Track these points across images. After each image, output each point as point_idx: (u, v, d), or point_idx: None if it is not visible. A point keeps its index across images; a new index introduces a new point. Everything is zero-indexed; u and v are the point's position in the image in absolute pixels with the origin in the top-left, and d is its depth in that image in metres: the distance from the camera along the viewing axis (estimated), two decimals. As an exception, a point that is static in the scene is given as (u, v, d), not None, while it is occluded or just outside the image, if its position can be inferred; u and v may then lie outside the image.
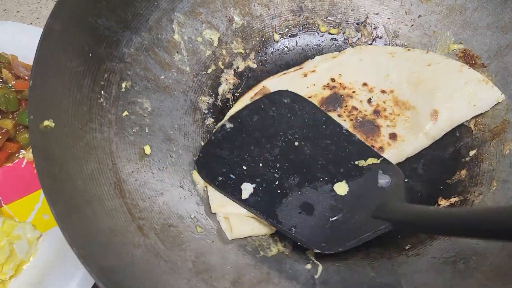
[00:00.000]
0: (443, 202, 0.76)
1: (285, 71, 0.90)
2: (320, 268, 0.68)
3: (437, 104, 0.80)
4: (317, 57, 0.92)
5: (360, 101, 0.84)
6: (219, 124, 0.79)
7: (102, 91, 0.69)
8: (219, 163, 0.73)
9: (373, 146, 0.78)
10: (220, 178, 0.72)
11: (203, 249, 0.65)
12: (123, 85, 0.73)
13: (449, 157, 0.81)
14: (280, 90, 0.80)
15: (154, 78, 0.79)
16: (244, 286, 0.61)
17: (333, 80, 0.87)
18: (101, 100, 0.68)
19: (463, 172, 0.78)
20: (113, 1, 0.72)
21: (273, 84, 0.87)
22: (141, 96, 0.76)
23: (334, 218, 0.67)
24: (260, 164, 0.72)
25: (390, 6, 0.93)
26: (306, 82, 0.87)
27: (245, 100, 0.86)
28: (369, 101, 0.83)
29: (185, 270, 0.59)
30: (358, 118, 0.81)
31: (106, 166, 0.63)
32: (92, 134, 0.64)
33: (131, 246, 0.56)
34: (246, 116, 0.77)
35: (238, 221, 0.70)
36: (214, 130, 0.79)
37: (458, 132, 0.82)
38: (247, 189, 0.71)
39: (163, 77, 0.80)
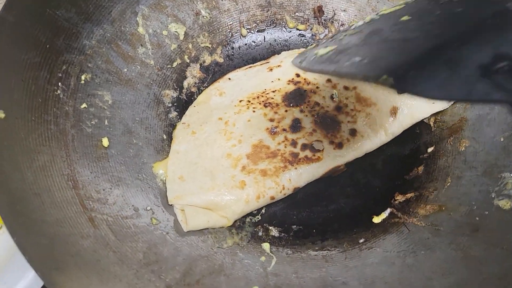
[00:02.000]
0: (399, 198, 0.77)
1: (251, 65, 0.91)
2: (274, 260, 0.69)
3: (397, 101, 0.82)
4: (283, 53, 0.93)
5: (323, 96, 0.85)
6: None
7: (60, 83, 0.69)
8: None
9: (333, 142, 0.79)
10: None
11: (156, 241, 0.65)
12: (83, 77, 0.73)
13: (408, 153, 0.83)
14: None
15: (116, 71, 0.79)
16: (195, 277, 0.62)
17: (298, 75, 0.88)
18: (58, 92, 0.68)
19: (421, 168, 0.80)
20: (73, -8, 0.72)
21: (237, 76, 0.88)
22: (102, 88, 0.76)
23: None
24: None
25: (357, 3, 0.93)
26: (271, 76, 0.88)
27: (209, 91, 0.86)
28: (332, 97, 0.84)
29: (135, 261, 0.60)
30: (320, 113, 0.82)
31: (60, 158, 0.64)
32: (46, 126, 0.64)
33: (79, 237, 0.57)
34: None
35: (194, 213, 0.71)
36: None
37: (418, 129, 0.84)
38: None
39: (125, 70, 0.80)
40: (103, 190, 0.67)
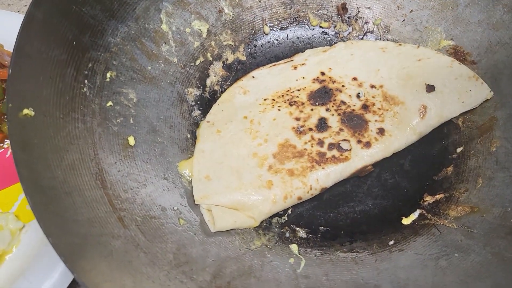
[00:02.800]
0: (429, 199, 0.76)
1: (274, 63, 0.89)
2: (303, 262, 0.68)
3: (426, 100, 0.80)
4: (307, 51, 0.91)
5: (349, 95, 0.83)
6: None
7: (86, 81, 0.68)
8: None
9: (360, 141, 0.77)
10: None
11: (184, 242, 0.64)
12: (108, 75, 0.72)
13: (436, 153, 0.81)
14: None
15: (140, 69, 0.78)
16: (225, 279, 0.61)
17: (323, 73, 0.86)
18: (85, 89, 0.68)
19: (450, 168, 0.78)
20: (98, -11, 0.71)
21: (261, 74, 0.87)
22: (127, 86, 0.75)
23: None
24: None
25: (382, 0, 0.92)
26: (296, 75, 0.87)
27: (233, 89, 0.85)
28: (358, 95, 0.83)
29: (165, 262, 0.59)
30: (346, 112, 0.81)
31: (88, 157, 0.63)
32: (74, 124, 0.63)
33: (110, 237, 0.56)
34: None
35: (221, 213, 0.70)
36: None
37: (446, 129, 0.82)
38: None
39: (149, 67, 0.79)
40: (131, 189, 0.66)
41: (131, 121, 0.73)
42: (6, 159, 0.83)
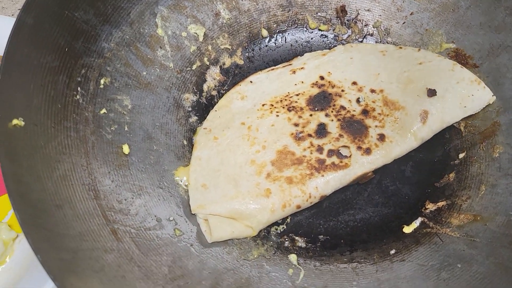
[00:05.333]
0: (431, 206, 0.74)
1: (273, 67, 0.88)
2: (302, 273, 0.66)
3: (427, 104, 0.78)
4: (306, 54, 0.89)
5: (349, 100, 0.81)
6: None
7: (79, 88, 0.66)
8: None
9: (360, 148, 0.75)
10: None
11: (180, 253, 0.63)
12: (102, 81, 0.71)
13: (438, 159, 0.79)
14: None
15: (135, 74, 0.76)
16: (222, 292, 0.60)
17: (322, 78, 0.84)
18: (78, 97, 0.66)
19: (452, 175, 0.76)
20: (91, -7, 0.69)
21: (259, 79, 0.85)
22: (121, 93, 0.73)
23: None
24: None
25: (381, 2, 0.90)
26: (294, 79, 0.85)
27: (231, 94, 0.83)
28: (358, 100, 0.81)
29: (160, 276, 0.57)
30: (346, 118, 0.79)
31: (80, 167, 0.61)
32: (66, 133, 0.61)
33: (103, 251, 0.54)
34: None
35: (218, 223, 0.68)
36: None
37: (448, 134, 0.80)
38: None
39: (145, 73, 0.78)
40: (125, 200, 0.64)
41: (126, 128, 0.71)
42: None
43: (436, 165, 0.79)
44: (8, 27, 0.90)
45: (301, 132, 0.77)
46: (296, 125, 0.78)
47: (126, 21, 0.75)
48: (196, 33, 0.85)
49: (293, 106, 0.81)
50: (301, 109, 0.80)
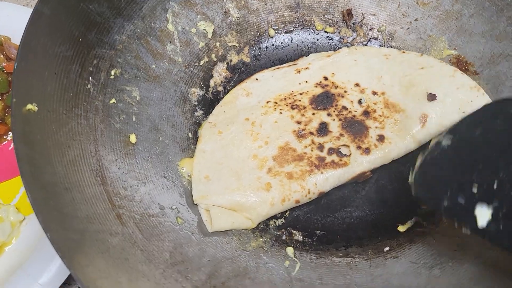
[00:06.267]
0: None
1: (278, 66, 0.90)
2: (298, 265, 0.69)
3: (427, 108, 0.80)
4: (311, 55, 0.92)
5: (351, 101, 0.83)
6: (433, 141, 0.65)
7: (90, 77, 0.69)
8: (441, 185, 0.61)
9: (360, 147, 0.78)
10: (446, 203, 0.60)
11: (181, 241, 0.65)
12: (113, 72, 0.73)
13: (435, 162, 0.81)
14: (505, 99, 0.62)
15: (144, 67, 0.78)
16: (220, 280, 0.62)
17: (325, 78, 0.87)
18: (89, 86, 0.68)
19: (448, 178, 0.78)
20: (105, -13, 0.71)
21: (264, 77, 0.87)
22: (130, 84, 0.75)
23: None
24: (495, 186, 0.57)
25: (387, 7, 0.92)
26: (299, 79, 0.87)
27: (236, 90, 0.86)
28: (360, 101, 0.83)
29: (161, 260, 0.60)
30: (347, 118, 0.81)
31: (89, 153, 0.63)
32: (76, 120, 0.64)
33: (108, 234, 0.56)
34: (466, 131, 0.62)
35: (219, 213, 0.70)
36: (428, 149, 0.64)
37: (446, 138, 0.82)
38: (483, 214, 0.57)
39: (154, 66, 0.80)
40: (130, 187, 0.66)
41: (134, 119, 0.74)
42: (9, 151, 0.84)
43: (433, 167, 0.81)
44: (22, 17, 0.93)
45: (303, 129, 0.79)
46: (299, 122, 0.80)
47: (138, 15, 0.78)
48: (205, 29, 0.87)
49: (296, 105, 0.83)
50: (304, 107, 0.82)
